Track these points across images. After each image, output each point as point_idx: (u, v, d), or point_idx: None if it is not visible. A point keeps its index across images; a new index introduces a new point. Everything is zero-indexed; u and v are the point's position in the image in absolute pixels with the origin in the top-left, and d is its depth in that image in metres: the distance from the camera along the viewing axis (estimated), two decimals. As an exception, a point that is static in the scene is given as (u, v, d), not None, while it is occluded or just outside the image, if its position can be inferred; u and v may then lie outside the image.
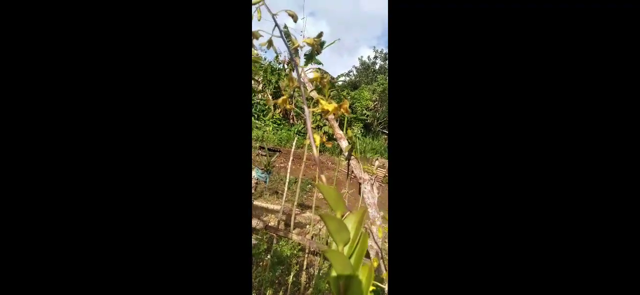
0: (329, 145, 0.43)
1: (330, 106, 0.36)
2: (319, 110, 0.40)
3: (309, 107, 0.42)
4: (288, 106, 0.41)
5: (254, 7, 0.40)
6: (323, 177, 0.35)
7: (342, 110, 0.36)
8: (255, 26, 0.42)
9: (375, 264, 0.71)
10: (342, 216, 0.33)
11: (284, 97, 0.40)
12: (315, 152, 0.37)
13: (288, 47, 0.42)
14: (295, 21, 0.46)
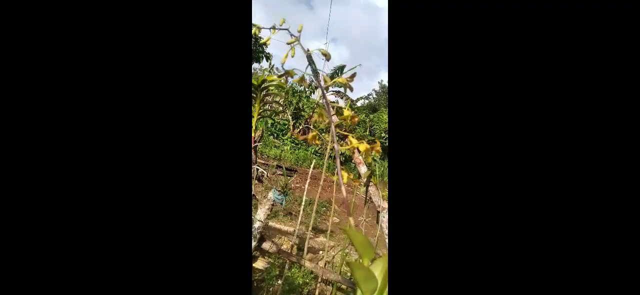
0: (356, 183, 0.42)
1: (362, 146, 0.36)
2: (349, 147, 0.40)
3: (339, 144, 0.42)
4: (317, 142, 0.41)
5: (288, 46, 0.42)
6: (351, 220, 0.34)
7: (374, 151, 0.36)
8: (288, 63, 0.44)
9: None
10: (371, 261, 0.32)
11: (314, 133, 0.40)
12: (343, 190, 0.37)
13: (319, 83, 0.43)
14: (327, 60, 0.47)
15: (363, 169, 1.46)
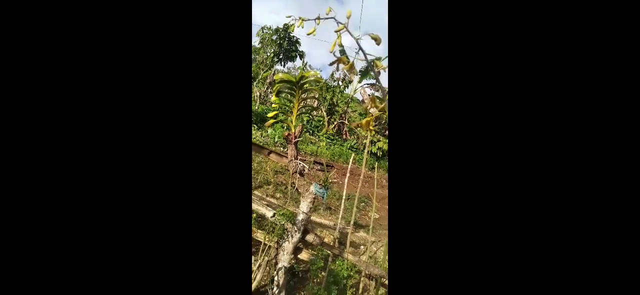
0: None
1: None
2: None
3: (378, 139, 0.41)
4: (372, 128, 0.41)
5: (335, 34, 0.42)
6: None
7: None
8: (327, 55, 0.43)
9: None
10: None
11: (369, 118, 0.39)
12: None
13: (371, 67, 0.42)
14: (378, 44, 0.46)
15: None
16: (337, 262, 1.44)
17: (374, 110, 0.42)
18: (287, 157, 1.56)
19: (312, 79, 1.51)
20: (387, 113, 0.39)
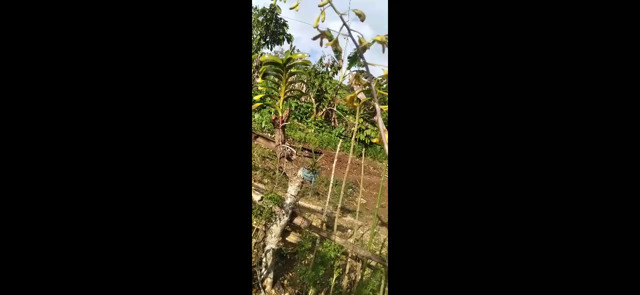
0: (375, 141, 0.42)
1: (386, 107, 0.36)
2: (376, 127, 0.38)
3: (365, 126, 0.41)
4: (355, 104, 0.41)
5: (319, 8, 0.41)
6: (386, 144, 0.33)
7: None
8: (315, 28, 0.43)
9: None
10: None
11: (353, 94, 0.40)
12: (385, 147, 0.36)
13: (357, 46, 0.42)
14: (362, 20, 0.46)
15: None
16: (324, 243, 1.48)
17: (358, 88, 0.42)
18: (274, 142, 1.55)
19: (300, 61, 1.48)
20: (373, 99, 0.39)
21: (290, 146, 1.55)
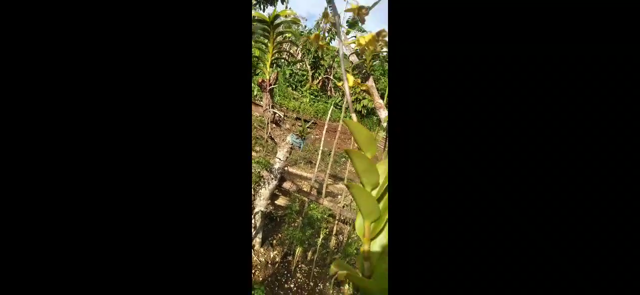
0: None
1: (351, 80, 0.34)
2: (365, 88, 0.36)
3: (348, 72, 0.39)
4: (322, 43, 0.38)
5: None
6: (354, 116, 0.32)
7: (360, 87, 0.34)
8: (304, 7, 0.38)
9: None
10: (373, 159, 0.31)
11: (317, 33, 0.37)
12: (347, 94, 0.35)
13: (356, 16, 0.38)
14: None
15: (383, 114, 1.41)
16: (311, 205, 1.52)
17: (326, 27, 0.39)
18: (262, 107, 1.52)
19: (290, 19, 1.39)
20: (368, 61, 0.36)
21: (280, 112, 1.52)
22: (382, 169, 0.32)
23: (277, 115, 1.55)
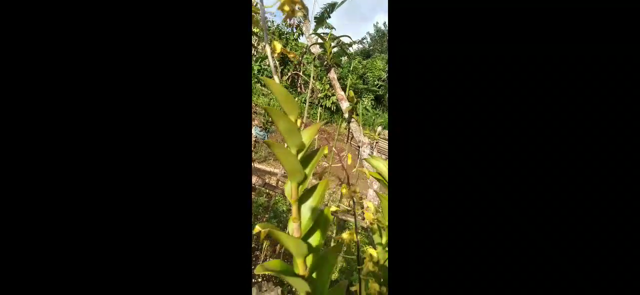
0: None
1: (278, 46, 0.35)
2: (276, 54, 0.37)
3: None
4: (286, 8, 0.37)
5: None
6: (276, 78, 0.33)
7: (282, 51, 0.35)
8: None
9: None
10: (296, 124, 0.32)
11: (281, 46, 0.36)
12: (270, 58, 0.35)
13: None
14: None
15: (345, 105, 1.45)
16: (276, 198, 1.52)
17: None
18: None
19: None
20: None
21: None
22: (307, 135, 0.33)
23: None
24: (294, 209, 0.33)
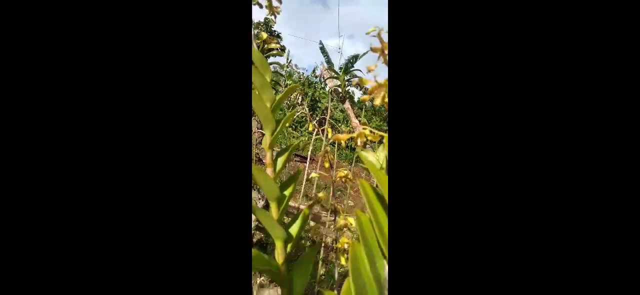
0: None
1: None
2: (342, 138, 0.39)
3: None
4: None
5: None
6: (255, 44, 0.37)
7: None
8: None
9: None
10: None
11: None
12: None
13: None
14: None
15: (358, 130, 1.47)
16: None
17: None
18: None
19: (275, 51, 1.51)
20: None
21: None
22: (288, 190, 0.34)
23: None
24: (268, 155, 0.34)
